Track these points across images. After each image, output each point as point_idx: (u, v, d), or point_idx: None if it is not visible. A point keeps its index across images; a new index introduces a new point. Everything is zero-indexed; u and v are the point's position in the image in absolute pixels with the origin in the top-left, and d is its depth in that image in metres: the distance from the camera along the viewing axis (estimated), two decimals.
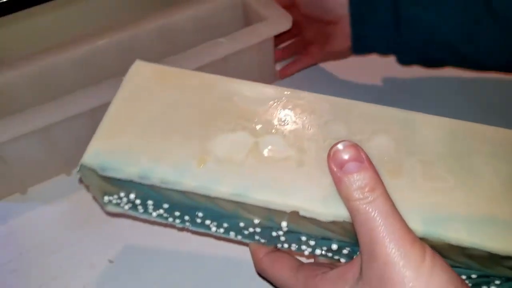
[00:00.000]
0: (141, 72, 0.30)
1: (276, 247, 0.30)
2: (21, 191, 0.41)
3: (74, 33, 0.48)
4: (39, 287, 0.35)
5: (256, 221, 0.27)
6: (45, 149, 0.40)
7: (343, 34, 0.44)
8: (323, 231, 0.26)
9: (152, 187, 0.27)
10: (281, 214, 0.26)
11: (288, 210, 0.25)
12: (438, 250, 0.23)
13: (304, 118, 0.28)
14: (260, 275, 0.31)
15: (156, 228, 0.38)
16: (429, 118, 0.28)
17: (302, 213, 0.25)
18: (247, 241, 0.30)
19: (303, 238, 0.27)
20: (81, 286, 0.35)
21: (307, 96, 0.29)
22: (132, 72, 0.31)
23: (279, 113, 0.28)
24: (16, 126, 0.37)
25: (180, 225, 0.30)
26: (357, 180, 0.23)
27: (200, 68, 0.42)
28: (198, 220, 0.29)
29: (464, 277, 0.26)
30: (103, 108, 0.39)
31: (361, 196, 0.23)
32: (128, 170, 0.26)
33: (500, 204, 0.25)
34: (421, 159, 0.26)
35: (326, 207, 0.25)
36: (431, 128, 0.28)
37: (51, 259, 0.37)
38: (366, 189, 0.23)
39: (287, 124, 0.28)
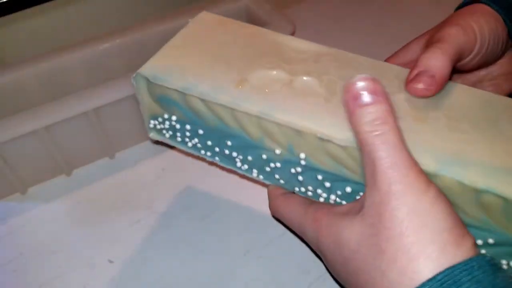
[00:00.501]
0: (205, 18, 0.35)
1: (293, 192, 0.31)
2: (21, 191, 0.41)
3: (74, 33, 0.49)
4: (39, 287, 0.35)
5: (278, 151, 0.29)
6: (45, 149, 0.40)
7: None
8: (339, 167, 0.27)
9: (191, 105, 0.30)
10: (300, 140, 0.28)
11: (307, 131, 0.27)
12: (449, 197, 0.23)
13: (342, 71, 0.30)
14: (275, 218, 0.32)
15: (156, 228, 0.39)
16: (464, 87, 0.29)
17: (319, 135, 0.26)
18: (267, 182, 0.32)
19: (319, 177, 0.29)
20: (81, 286, 0.35)
21: (351, 56, 0.31)
22: (197, 17, 0.35)
23: (320, 63, 0.30)
24: (16, 126, 0.37)
25: (210, 159, 0.34)
26: (369, 113, 0.23)
27: None
28: (227, 152, 0.32)
29: (480, 242, 0.26)
30: (104, 108, 0.40)
31: (370, 129, 0.23)
32: (175, 81, 0.30)
33: None
34: (448, 115, 0.27)
35: (343, 133, 0.26)
36: (464, 94, 0.28)
37: (51, 259, 0.37)
38: (377, 122, 0.23)
39: (324, 72, 0.30)
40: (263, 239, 0.38)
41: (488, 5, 0.31)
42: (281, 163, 0.30)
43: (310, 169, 0.29)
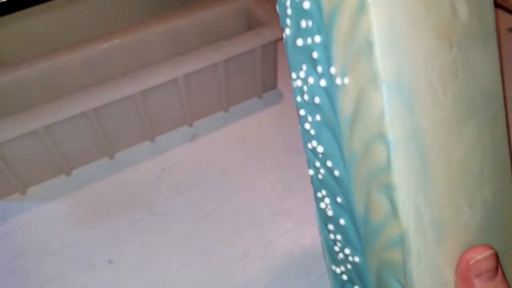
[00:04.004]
0: None
1: None
2: (21, 191, 0.41)
3: (74, 33, 0.49)
4: (39, 287, 0.35)
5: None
6: (45, 149, 0.40)
7: None
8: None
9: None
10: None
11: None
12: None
13: None
14: None
15: (156, 228, 0.39)
16: None
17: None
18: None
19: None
20: (81, 286, 0.35)
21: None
22: None
23: None
24: (16, 126, 0.37)
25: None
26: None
27: (202, 71, 0.42)
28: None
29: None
30: (104, 108, 0.40)
31: None
32: None
33: None
34: None
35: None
36: None
37: (51, 259, 0.37)
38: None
39: None
40: (263, 239, 0.38)
41: None
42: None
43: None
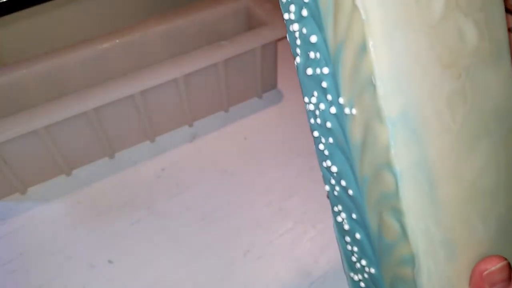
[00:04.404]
0: None
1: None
2: (21, 191, 0.41)
3: (74, 33, 0.49)
4: (39, 287, 0.35)
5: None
6: (45, 149, 0.40)
7: None
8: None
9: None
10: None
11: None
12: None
13: None
14: None
15: (156, 228, 0.39)
16: None
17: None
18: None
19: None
20: (81, 286, 0.35)
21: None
22: None
23: None
24: (16, 126, 0.37)
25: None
26: None
27: (202, 71, 0.42)
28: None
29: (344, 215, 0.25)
30: (104, 108, 0.40)
31: None
32: None
33: None
34: None
35: None
36: None
37: (51, 259, 0.37)
38: None
39: None
40: (263, 239, 0.38)
41: None
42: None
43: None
